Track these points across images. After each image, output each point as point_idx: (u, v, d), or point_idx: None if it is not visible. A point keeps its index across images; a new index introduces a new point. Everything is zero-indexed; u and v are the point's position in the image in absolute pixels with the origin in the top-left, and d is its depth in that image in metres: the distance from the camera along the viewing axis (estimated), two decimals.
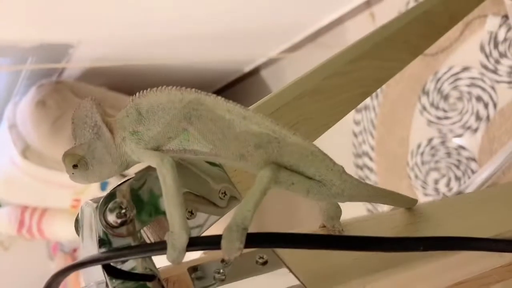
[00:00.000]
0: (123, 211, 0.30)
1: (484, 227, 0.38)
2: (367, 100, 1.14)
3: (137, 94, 0.30)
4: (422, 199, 1.02)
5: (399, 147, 1.07)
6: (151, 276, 0.30)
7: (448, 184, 0.98)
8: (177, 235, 0.27)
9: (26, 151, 1.16)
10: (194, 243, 0.27)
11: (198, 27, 1.08)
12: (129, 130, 0.30)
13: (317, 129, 0.37)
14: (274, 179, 0.29)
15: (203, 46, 1.21)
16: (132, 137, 0.30)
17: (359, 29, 1.20)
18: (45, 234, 1.40)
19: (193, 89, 0.30)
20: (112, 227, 0.30)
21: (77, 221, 0.33)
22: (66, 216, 1.30)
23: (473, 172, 0.94)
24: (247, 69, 1.47)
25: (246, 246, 0.26)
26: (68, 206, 1.31)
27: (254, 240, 0.27)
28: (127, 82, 1.19)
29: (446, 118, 0.97)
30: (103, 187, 1.19)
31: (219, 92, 1.56)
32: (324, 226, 0.37)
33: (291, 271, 0.32)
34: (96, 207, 0.30)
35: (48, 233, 1.39)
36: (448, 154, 0.97)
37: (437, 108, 0.98)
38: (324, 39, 1.28)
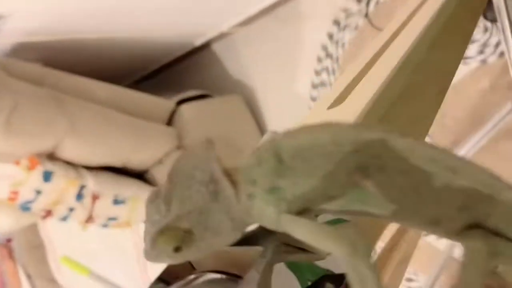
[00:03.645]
0: None
1: None
2: None
3: (273, 130, 0.21)
4: None
5: None
6: None
7: None
8: None
9: None
10: None
11: None
12: (264, 187, 0.21)
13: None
14: (491, 252, 0.20)
15: (149, 18, 1.12)
16: (268, 196, 0.20)
17: (314, 2, 1.17)
18: None
19: (376, 127, 0.20)
20: None
21: None
22: (2, 208, 1.20)
23: None
24: (198, 43, 1.39)
25: None
26: (5, 198, 1.21)
27: None
28: (64, 58, 1.08)
29: None
30: (46, 177, 1.08)
31: (168, 67, 1.47)
32: None
33: None
34: None
35: None
36: None
37: None
38: (278, 12, 1.23)
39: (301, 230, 0.20)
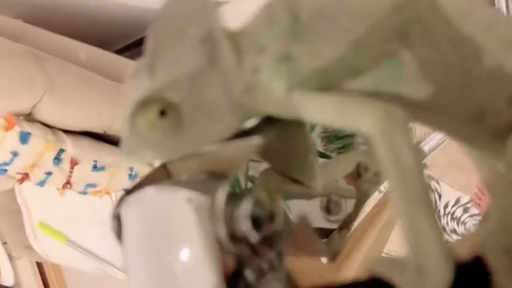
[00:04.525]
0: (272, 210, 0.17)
1: None
2: None
3: None
4: None
5: None
6: None
7: None
8: (435, 277, 0.13)
9: None
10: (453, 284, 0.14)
11: None
12: (274, 54, 0.16)
13: None
14: None
15: None
16: (279, 66, 0.16)
17: None
18: None
19: None
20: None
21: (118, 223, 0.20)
22: None
23: None
24: None
25: None
26: None
27: None
28: (46, 15, 1.04)
29: None
30: (23, 139, 1.05)
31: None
32: None
33: None
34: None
35: None
36: None
37: None
38: None
39: (319, 105, 0.15)
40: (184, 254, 0.17)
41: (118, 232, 0.20)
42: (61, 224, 1.30)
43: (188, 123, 0.17)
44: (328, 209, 0.22)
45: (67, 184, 1.10)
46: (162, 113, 0.17)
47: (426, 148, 0.96)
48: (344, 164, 0.25)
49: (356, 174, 0.24)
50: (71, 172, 1.06)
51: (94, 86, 1.03)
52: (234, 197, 0.17)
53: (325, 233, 0.27)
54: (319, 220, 0.26)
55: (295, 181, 0.21)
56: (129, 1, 1.16)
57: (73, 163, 1.06)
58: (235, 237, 0.16)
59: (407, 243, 0.14)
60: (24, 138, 1.00)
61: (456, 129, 0.18)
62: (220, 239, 0.16)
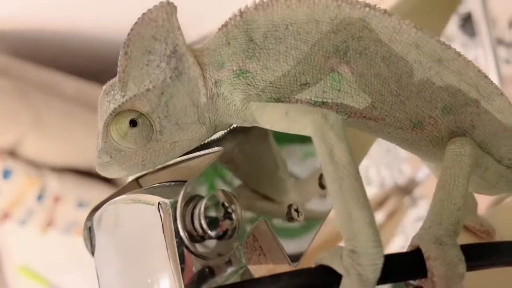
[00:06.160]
0: (228, 209, 0.18)
1: None
2: None
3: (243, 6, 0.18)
4: None
5: None
6: None
7: None
8: (367, 258, 0.15)
9: None
10: (392, 269, 0.16)
11: None
12: (232, 68, 0.19)
13: None
14: (476, 160, 0.19)
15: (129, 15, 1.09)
16: (237, 80, 0.19)
17: None
18: None
19: (359, 3, 0.18)
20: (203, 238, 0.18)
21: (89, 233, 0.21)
22: None
23: None
24: None
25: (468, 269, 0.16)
26: None
27: (477, 255, 0.17)
28: (36, 49, 1.04)
29: None
30: (5, 175, 1.02)
31: None
32: None
33: None
34: (173, 205, 0.18)
35: None
36: None
37: None
38: None
39: (270, 113, 0.18)
40: (152, 266, 0.18)
41: (90, 241, 0.21)
42: (42, 267, 1.25)
43: (159, 132, 0.19)
44: (291, 218, 0.22)
45: (50, 222, 1.06)
46: (134, 123, 0.18)
47: None
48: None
49: (319, 185, 0.24)
50: (54, 209, 1.03)
51: (79, 121, 1.01)
52: (195, 199, 0.18)
53: None
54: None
55: (268, 198, 0.22)
56: (118, 36, 1.16)
57: (57, 199, 1.03)
58: (194, 236, 0.18)
59: (342, 230, 0.16)
60: (6, 174, 0.98)
61: (400, 138, 0.20)
62: (181, 238, 0.17)
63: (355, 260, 0.15)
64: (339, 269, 0.15)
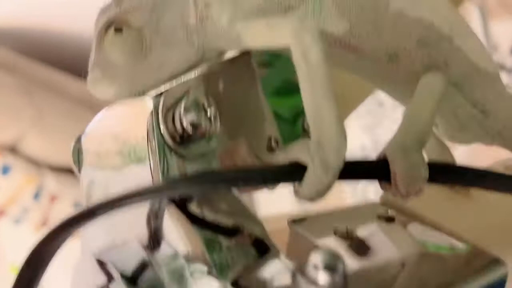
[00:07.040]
0: (204, 110, 0.19)
1: None
2: None
3: None
4: None
5: None
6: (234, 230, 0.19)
7: None
8: (331, 144, 0.16)
9: None
10: (357, 168, 0.17)
11: None
12: None
13: None
14: (444, 92, 0.19)
15: None
16: (225, 1, 0.19)
17: None
18: None
19: None
20: (183, 138, 0.19)
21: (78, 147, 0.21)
22: None
23: None
24: None
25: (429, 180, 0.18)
26: None
27: (441, 171, 0.18)
28: (40, 47, 1.05)
29: None
30: (4, 170, 1.03)
31: None
32: None
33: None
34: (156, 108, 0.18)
35: None
36: None
37: None
38: None
39: (253, 26, 0.19)
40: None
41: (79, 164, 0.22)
42: None
43: (148, 48, 0.19)
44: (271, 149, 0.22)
45: (45, 222, 1.06)
46: (118, 30, 0.19)
47: None
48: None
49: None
50: (49, 208, 1.03)
51: (81, 122, 1.01)
52: (175, 105, 0.19)
53: None
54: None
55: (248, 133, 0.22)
56: None
57: (53, 199, 1.03)
58: (175, 137, 0.18)
59: (311, 124, 0.17)
60: (5, 169, 0.98)
61: (377, 74, 0.21)
62: (165, 140, 0.18)
63: (320, 148, 0.16)
64: (304, 158, 0.16)
